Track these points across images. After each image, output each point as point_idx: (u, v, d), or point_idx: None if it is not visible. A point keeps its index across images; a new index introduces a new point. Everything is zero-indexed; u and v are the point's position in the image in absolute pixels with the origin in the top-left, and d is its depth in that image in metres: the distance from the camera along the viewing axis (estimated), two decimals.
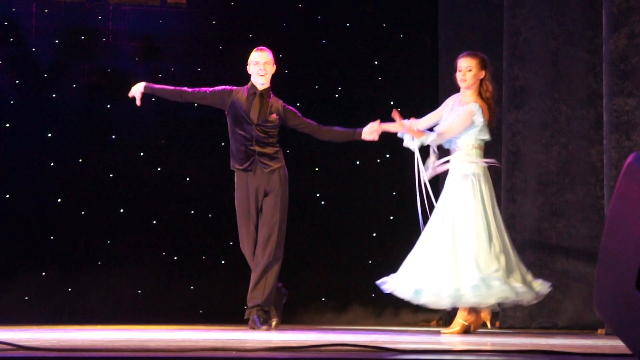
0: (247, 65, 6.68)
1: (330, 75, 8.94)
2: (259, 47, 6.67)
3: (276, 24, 8.89)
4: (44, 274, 8.25)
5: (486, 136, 6.13)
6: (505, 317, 7.64)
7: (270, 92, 6.60)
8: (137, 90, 6.49)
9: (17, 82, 8.43)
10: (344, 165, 8.81)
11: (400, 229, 8.52)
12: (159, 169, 8.61)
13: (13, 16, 8.48)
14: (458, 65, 6.22)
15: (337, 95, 8.94)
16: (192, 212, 8.62)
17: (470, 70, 6.13)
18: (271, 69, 6.60)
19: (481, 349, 3.96)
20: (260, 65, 6.56)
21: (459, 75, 6.20)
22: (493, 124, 6.21)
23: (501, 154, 7.95)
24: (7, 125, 8.35)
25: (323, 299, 8.60)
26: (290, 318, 7.83)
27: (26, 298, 8.17)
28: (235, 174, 6.59)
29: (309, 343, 4.00)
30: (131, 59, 8.68)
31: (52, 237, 8.32)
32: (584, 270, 7.32)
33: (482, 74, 6.16)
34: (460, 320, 6.03)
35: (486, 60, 6.21)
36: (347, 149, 8.74)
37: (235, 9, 8.85)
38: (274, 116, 6.51)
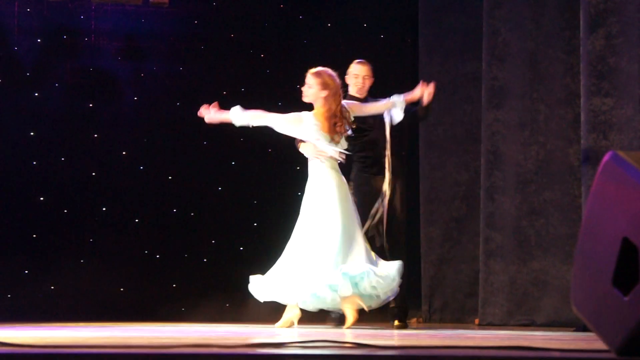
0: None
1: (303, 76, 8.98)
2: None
3: (258, 24, 8.94)
4: (26, 272, 8.26)
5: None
6: (484, 314, 7.73)
7: None
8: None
9: None
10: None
11: None
12: (141, 167, 8.64)
13: None
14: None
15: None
16: (174, 210, 8.66)
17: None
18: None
19: (461, 345, 4.03)
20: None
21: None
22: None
23: (480, 153, 8.03)
24: None
25: None
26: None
27: (8, 296, 8.18)
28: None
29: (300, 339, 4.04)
30: (113, 59, 8.70)
31: (34, 235, 8.33)
32: (562, 267, 7.41)
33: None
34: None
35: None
36: None
37: (217, 9, 8.90)
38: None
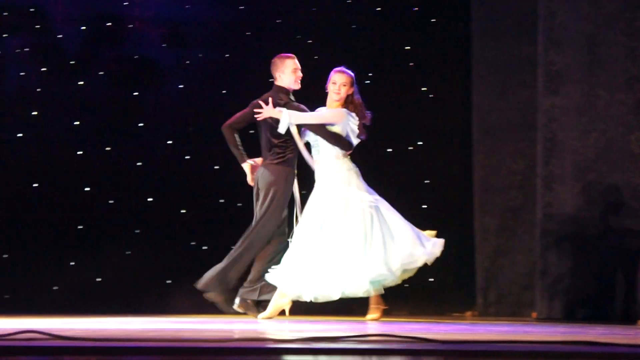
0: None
1: (359, 61, 8.77)
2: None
3: (305, 9, 8.75)
4: (72, 263, 8.18)
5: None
6: (542, 308, 7.52)
7: None
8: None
9: (43, 69, 8.36)
10: (375, 153, 8.66)
11: (432, 218, 8.38)
12: (187, 157, 8.52)
13: (39, 3, 8.40)
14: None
15: (367, 82, 8.77)
16: (221, 200, 8.52)
17: (344, 85, 6.62)
18: None
19: (524, 340, 3.82)
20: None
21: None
22: None
23: (536, 141, 7.80)
24: (34, 113, 8.27)
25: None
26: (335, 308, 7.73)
27: (55, 288, 8.11)
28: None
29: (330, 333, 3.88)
30: (158, 46, 8.59)
31: (80, 227, 8.24)
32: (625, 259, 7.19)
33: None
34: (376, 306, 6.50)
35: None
36: (377, 136, 8.60)
37: None
38: None
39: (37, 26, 8.41)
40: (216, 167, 8.52)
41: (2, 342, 3.31)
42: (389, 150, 8.70)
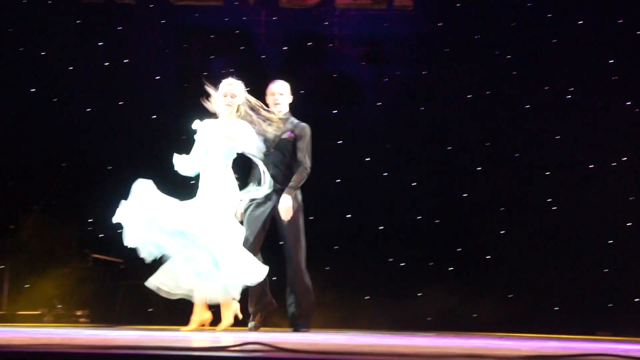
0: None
1: (560, 75, 8.57)
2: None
3: (503, 24, 8.62)
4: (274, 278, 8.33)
5: None
6: None
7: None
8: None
9: (247, 89, 8.59)
10: (577, 169, 8.42)
11: (638, 236, 8.07)
12: (384, 173, 8.54)
13: (243, 24, 8.65)
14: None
15: (568, 97, 8.57)
16: (419, 217, 8.48)
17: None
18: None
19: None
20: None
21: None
22: None
23: None
24: None
25: (556, 308, 8.23)
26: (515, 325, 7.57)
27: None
28: None
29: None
30: (356, 63, 8.67)
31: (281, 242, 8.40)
32: None
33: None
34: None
35: None
36: (578, 152, 8.37)
37: (462, 10, 8.65)
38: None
39: (241, 47, 8.66)
40: (413, 184, 8.51)
41: (227, 352, 3.39)
42: (591, 166, 8.44)
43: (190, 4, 8.50)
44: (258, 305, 6.55)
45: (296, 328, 6.52)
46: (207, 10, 8.57)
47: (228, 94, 6.23)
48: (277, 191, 6.45)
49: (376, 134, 8.56)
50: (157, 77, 8.59)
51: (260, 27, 8.67)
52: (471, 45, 8.62)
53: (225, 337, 5.01)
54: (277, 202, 6.47)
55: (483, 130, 8.51)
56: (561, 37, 8.55)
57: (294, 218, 6.49)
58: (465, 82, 8.58)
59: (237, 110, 6.24)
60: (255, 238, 6.44)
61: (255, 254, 6.21)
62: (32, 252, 7.77)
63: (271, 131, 6.29)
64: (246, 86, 8.51)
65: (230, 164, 6.06)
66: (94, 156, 8.27)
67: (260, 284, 6.15)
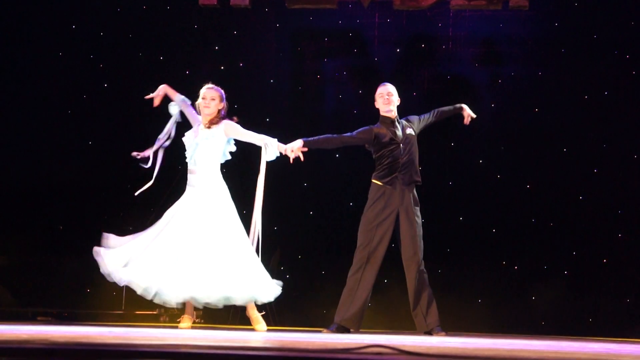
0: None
1: None
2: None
3: (623, 24, 8.42)
4: (385, 281, 8.35)
5: None
6: None
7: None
8: (296, 149, 6.37)
9: (360, 91, 8.62)
10: None
11: None
12: (498, 176, 8.46)
13: (357, 27, 8.69)
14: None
15: None
16: (533, 220, 8.37)
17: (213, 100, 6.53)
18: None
19: None
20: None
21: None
22: None
23: None
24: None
25: None
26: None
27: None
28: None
29: None
30: (471, 65, 8.60)
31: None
32: None
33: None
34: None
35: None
36: None
37: (579, 9, 8.49)
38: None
39: (354, 50, 8.69)
40: (527, 187, 8.40)
41: (351, 355, 3.42)
42: None
43: (304, 8, 8.58)
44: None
45: (431, 331, 6.53)
46: (321, 13, 8.63)
47: (207, 97, 6.51)
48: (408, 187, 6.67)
49: (490, 136, 8.47)
50: (271, 80, 8.70)
51: (374, 29, 8.68)
52: (588, 45, 8.45)
53: (348, 339, 5.06)
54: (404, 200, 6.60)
55: (600, 132, 8.34)
56: None
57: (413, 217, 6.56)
58: (582, 82, 8.42)
59: (217, 115, 6.52)
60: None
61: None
62: None
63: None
64: (359, 88, 8.61)
65: (219, 167, 6.47)
66: None
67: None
